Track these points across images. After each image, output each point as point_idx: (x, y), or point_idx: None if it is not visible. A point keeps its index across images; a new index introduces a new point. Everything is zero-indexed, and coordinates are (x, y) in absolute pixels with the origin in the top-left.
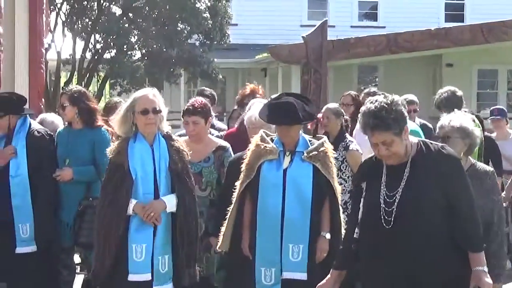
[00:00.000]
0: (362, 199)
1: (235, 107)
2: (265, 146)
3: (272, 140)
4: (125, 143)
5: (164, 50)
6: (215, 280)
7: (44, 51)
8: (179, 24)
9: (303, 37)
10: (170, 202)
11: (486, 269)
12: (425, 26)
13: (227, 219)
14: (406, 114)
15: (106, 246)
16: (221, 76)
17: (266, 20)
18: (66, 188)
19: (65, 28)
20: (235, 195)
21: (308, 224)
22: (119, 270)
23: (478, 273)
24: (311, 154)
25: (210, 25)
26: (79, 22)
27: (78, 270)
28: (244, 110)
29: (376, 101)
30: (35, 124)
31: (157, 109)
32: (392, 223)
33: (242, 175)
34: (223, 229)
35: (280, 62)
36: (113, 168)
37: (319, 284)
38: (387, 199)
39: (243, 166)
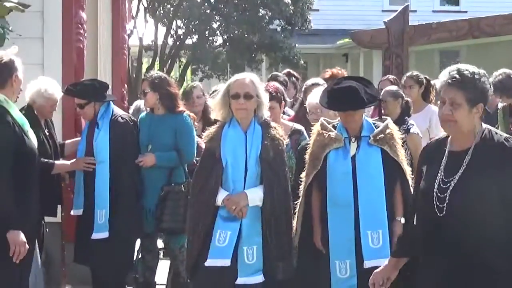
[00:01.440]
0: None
1: None
2: (329, 135)
3: (334, 127)
4: (220, 128)
5: (246, 35)
6: None
7: (126, 37)
8: (260, 10)
9: (384, 22)
10: (255, 196)
11: None
12: (507, 10)
13: (296, 212)
14: (487, 95)
15: (195, 234)
16: (302, 62)
17: (348, 5)
18: (148, 174)
19: (147, 14)
20: (301, 187)
21: (384, 207)
22: (204, 259)
23: None
24: (378, 138)
25: (291, 11)
26: (161, 8)
27: (161, 256)
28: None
29: (472, 67)
30: (117, 110)
31: (250, 94)
32: (444, 211)
33: (307, 167)
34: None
35: (362, 48)
36: (206, 154)
37: (375, 271)
38: (442, 185)
39: (307, 157)
